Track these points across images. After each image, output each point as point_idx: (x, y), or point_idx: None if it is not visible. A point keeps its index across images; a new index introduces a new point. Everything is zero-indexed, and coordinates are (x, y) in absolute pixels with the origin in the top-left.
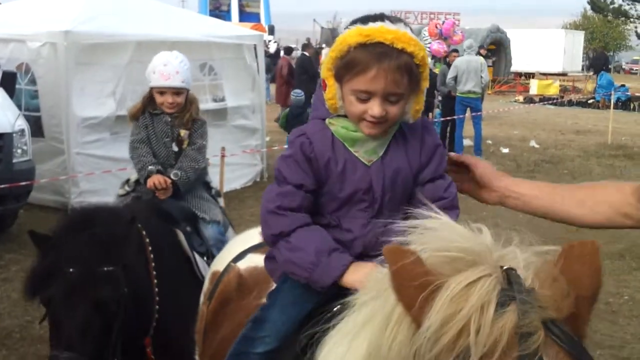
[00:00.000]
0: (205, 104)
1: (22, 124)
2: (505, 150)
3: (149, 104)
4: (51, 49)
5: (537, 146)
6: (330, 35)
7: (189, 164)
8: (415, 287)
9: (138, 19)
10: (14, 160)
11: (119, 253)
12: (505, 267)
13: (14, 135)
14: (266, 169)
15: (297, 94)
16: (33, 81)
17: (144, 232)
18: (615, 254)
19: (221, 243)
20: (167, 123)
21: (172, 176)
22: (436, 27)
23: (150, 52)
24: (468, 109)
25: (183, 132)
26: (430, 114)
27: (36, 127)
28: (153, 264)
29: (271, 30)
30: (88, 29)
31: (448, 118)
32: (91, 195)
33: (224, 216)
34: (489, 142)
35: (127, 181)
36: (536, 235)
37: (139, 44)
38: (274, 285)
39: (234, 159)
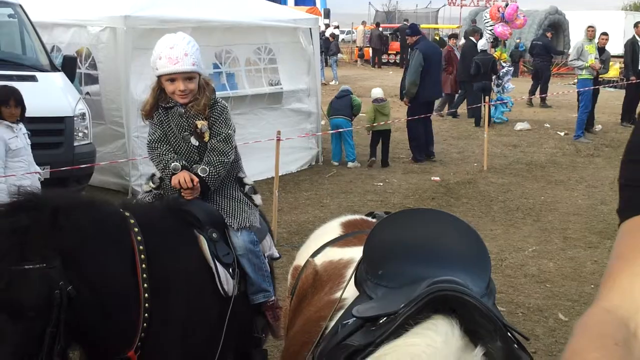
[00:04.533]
0: (261, 87)
1: (82, 107)
2: (564, 134)
3: (160, 97)
4: (111, 34)
5: (596, 129)
6: (386, 18)
7: (217, 158)
8: None
9: (195, 4)
10: (75, 144)
11: (44, 248)
12: None
13: (75, 119)
14: (321, 152)
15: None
16: (93, 65)
17: (135, 229)
18: None
19: (252, 253)
20: (181, 115)
21: (199, 172)
22: (498, 11)
23: (207, 36)
24: None
25: (200, 124)
26: (487, 97)
27: (97, 111)
28: (143, 266)
29: (327, 14)
30: (146, 14)
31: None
32: None
33: (261, 217)
34: (547, 125)
35: (152, 177)
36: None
37: (195, 28)
38: (346, 280)
39: (290, 142)
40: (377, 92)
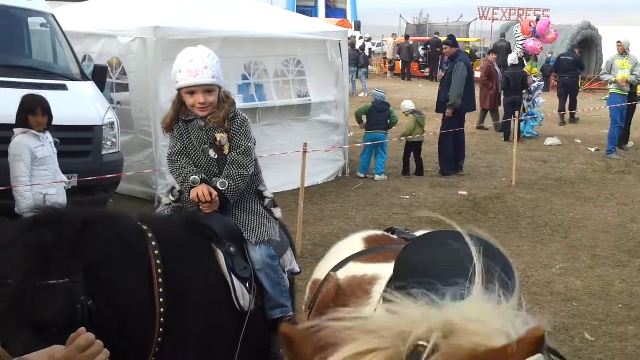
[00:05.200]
0: (290, 99)
1: (111, 117)
2: (595, 150)
3: (180, 110)
4: (141, 44)
5: (628, 146)
6: (417, 31)
7: (236, 171)
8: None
9: (225, 15)
10: (103, 152)
11: (67, 263)
12: (418, 344)
13: (104, 128)
14: (348, 164)
15: (379, 90)
16: (124, 75)
17: (153, 243)
18: None
19: (270, 268)
20: (201, 128)
21: (218, 186)
22: (530, 25)
23: (236, 48)
24: None
25: (219, 137)
26: (517, 112)
27: (126, 121)
28: (160, 280)
29: (357, 26)
30: (176, 25)
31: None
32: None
33: (282, 230)
34: (578, 141)
35: (172, 190)
36: None
37: (224, 40)
38: (371, 296)
39: (317, 154)
40: (409, 104)
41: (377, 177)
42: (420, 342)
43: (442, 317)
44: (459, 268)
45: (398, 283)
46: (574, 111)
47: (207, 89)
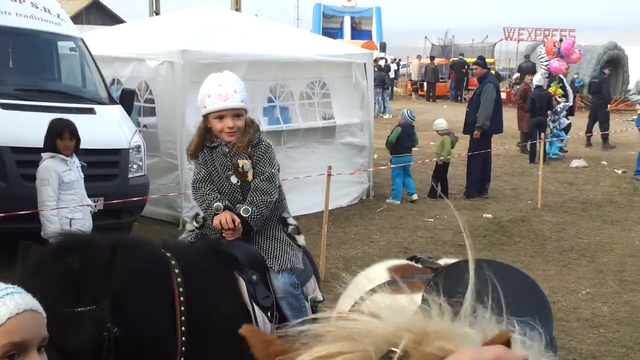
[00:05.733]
0: (315, 121)
1: (138, 140)
2: (622, 172)
3: (205, 137)
4: (169, 68)
5: None
6: (442, 52)
7: (260, 198)
8: None
9: (251, 39)
10: (130, 176)
11: (95, 290)
12: (390, 349)
13: (130, 151)
14: (372, 187)
15: (410, 115)
16: (151, 99)
17: (176, 271)
18: None
19: (292, 296)
20: (225, 154)
21: (241, 212)
22: (554, 46)
23: (262, 71)
24: None
25: (242, 163)
26: (542, 133)
27: (153, 144)
28: (182, 309)
29: (383, 48)
30: (204, 49)
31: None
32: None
33: (306, 257)
34: (604, 163)
35: (196, 216)
36: None
37: (251, 63)
38: None
39: (341, 176)
40: (443, 123)
41: (414, 196)
42: (392, 348)
43: (420, 325)
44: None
45: None
46: (606, 132)
47: (236, 113)
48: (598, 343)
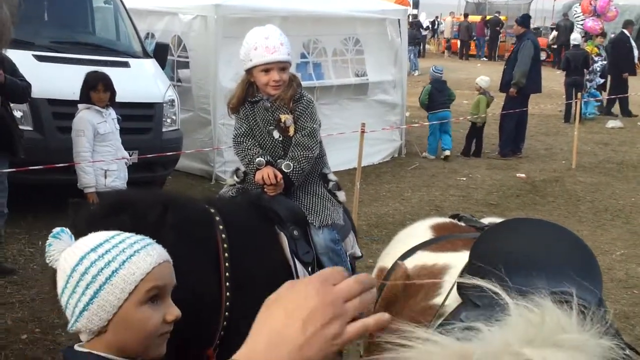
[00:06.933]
0: (347, 78)
1: (172, 94)
2: None
3: (248, 92)
4: (202, 22)
5: None
6: (476, 9)
7: (301, 153)
8: None
9: None
10: (163, 129)
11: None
12: None
13: (164, 105)
14: (404, 145)
15: (437, 70)
16: (184, 53)
17: (220, 227)
18: None
19: (332, 252)
20: (267, 109)
21: (283, 168)
22: (590, 4)
23: (295, 26)
24: None
25: (284, 117)
26: (579, 93)
27: (186, 99)
28: (226, 265)
29: (416, 4)
30: (237, 3)
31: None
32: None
33: (345, 214)
34: None
35: (237, 171)
36: None
37: (284, 18)
38: (442, 286)
39: (373, 134)
40: (484, 81)
41: (447, 152)
42: None
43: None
44: (533, 261)
45: (472, 274)
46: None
47: (282, 66)
48: (632, 304)
